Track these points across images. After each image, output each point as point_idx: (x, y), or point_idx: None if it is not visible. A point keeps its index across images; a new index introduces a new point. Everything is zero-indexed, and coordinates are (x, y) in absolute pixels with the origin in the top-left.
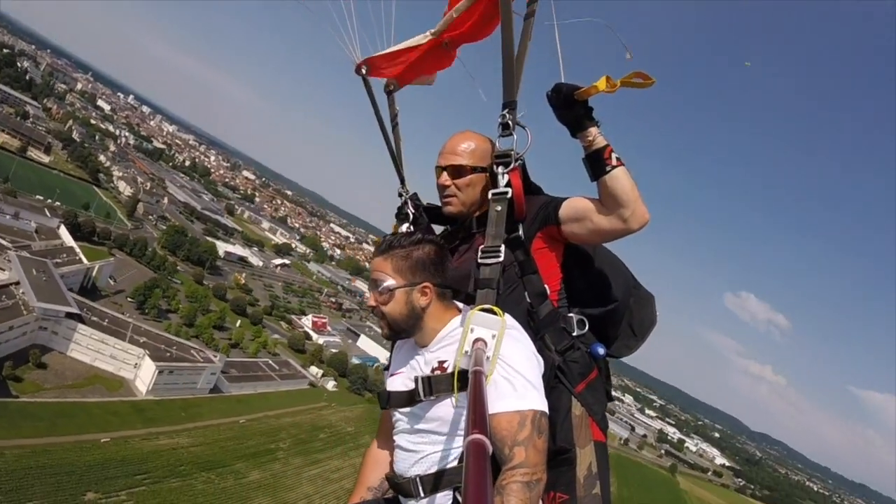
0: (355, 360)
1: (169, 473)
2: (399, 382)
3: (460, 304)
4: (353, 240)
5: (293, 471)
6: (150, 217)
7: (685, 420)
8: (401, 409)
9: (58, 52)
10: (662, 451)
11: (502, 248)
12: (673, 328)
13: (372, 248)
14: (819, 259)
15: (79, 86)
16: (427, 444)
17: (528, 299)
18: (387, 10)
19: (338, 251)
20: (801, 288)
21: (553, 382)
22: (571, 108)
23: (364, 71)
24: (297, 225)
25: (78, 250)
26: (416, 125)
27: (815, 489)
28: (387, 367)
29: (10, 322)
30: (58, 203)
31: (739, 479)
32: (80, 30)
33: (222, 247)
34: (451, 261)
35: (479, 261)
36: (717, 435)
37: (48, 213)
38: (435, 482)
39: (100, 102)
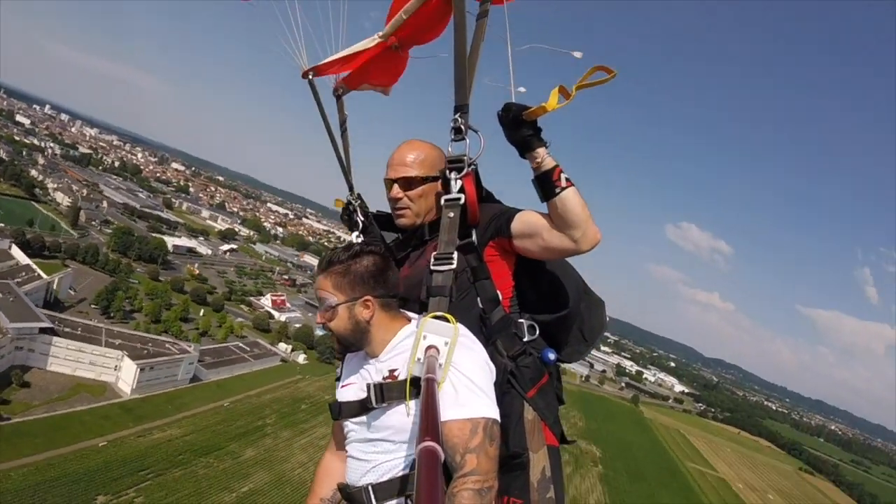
0: (319, 332)
1: (170, 465)
2: (350, 393)
3: (411, 314)
4: (292, 216)
5: (284, 443)
6: (94, 223)
7: (640, 353)
8: (353, 419)
9: None
10: (623, 384)
11: (455, 254)
12: (618, 263)
13: (313, 222)
14: (755, 183)
15: None
16: (379, 452)
17: (480, 305)
18: (335, 13)
19: (280, 229)
20: (740, 214)
21: (505, 388)
22: (519, 129)
23: (311, 75)
24: (235, 209)
25: (35, 266)
26: (368, 131)
27: (774, 408)
28: (338, 378)
29: None
30: (1, 224)
31: (700, 404)
32: None
33: (170, 241)
34: (395, 270)
35: (432, 267)
36: (672, 364)
37: None
38: (387, 490)
39: (18, 118)
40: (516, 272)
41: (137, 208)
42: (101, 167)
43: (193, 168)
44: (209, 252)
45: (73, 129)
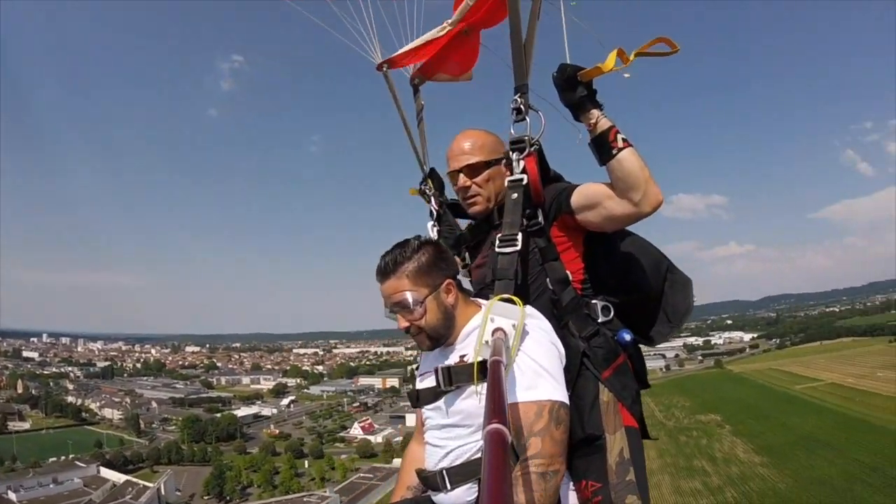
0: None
1: None
2: (427, 382)
3: (482, 301)
4: (322, 352)
5: None
6: (154, 425)
7: (697, 327)
8: (428, 406)
9: None
10: (700, 357)
11: (519, 236)
12: None
13: (344, 350)
14: (711, 124)
15: None
16: (452, 438)
17: (550, 286)
18: (407, 7)
19: (320, 367)
20: (715, 163)
21: (579, 369)
22: (574, 90)
23: (385, 68)
24: (269, 366)
25: (135, 479)
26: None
27: (838, 310)
28: (417, 368)
29: None
30: (72, 455)
31: (773, 340)
32: None
33: (235, 415)
34: (450, 252)
35: (497, 250)
36: (730, 321)
37: (80, 465)
38: (460, 474)
39: (25, 354)
40: (590, 252)
41: (184, 398)
42: (125, 374)
43: (207, 345)
44: (274, 411)
45: (79, 349)
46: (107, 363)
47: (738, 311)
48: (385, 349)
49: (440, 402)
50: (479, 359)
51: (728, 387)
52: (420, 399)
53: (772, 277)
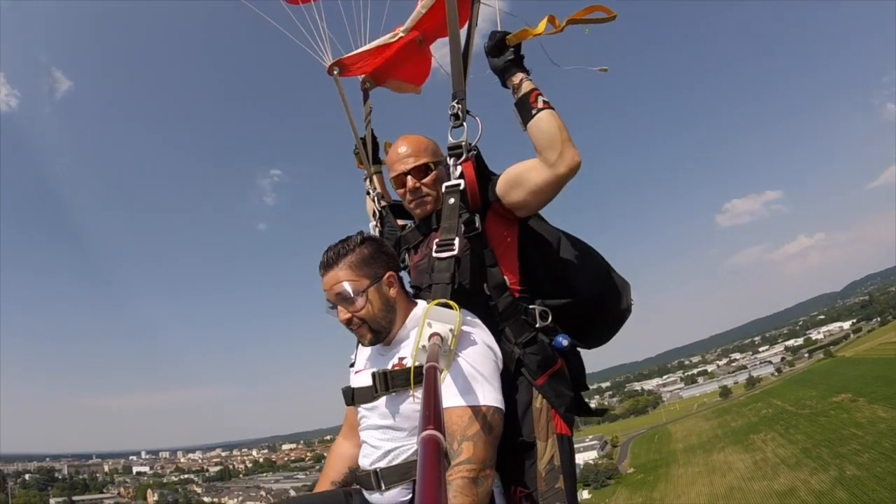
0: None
1: None
2: (363, 378)
3: (421, 301)
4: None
5: None
6: None
7: (789, 332)
8: (364, 406)
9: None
10: (805, 354)
11: (456, 240)
12: (703, 281)
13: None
14: (748, 117)
15: (100, 472)
16: (388, 439)
17: (487, 292)
18: (357, 11)
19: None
20: (759, 160)
21: (514, 375)
22: (501, 54)
23: (336, 72)
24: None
25: None
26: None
27: None
28: (351, 365)
29: None
30: None
31: (874, 320)
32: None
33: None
34: (391, 248)
35: (434, 254)
36: (822, 316)
37: None
38: (394, 475)
39: (136, 469)
40: (527, 256)
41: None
42: (240, 475)
43: (301, 441)
44: None
45: (182, 460)
46: (219, 467)
47: (826, 305)
48: None
49: (376, 403)
50: (416, 364)
51: (847, 369)
52: (355, 398)
53: (851, 261)
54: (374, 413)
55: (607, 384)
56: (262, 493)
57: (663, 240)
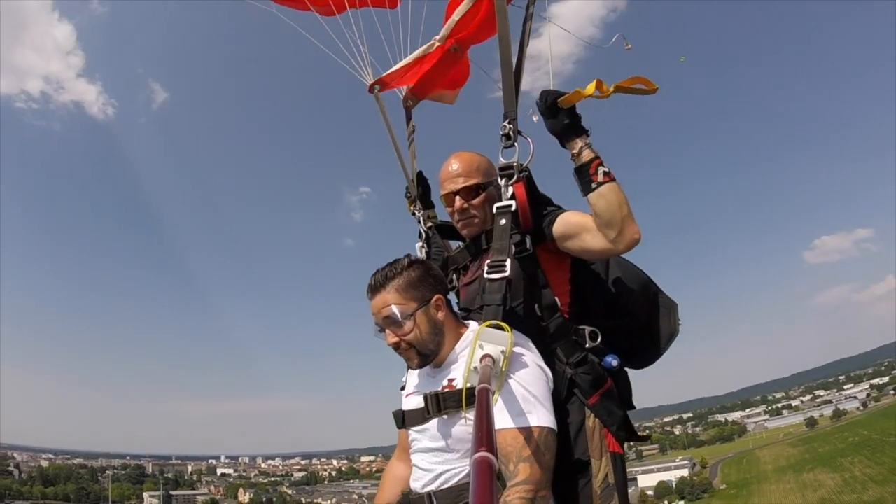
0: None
1: None
2: (414, 402)
3: (472, 323)
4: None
5: None
6: None
7: (874, 371)
8: (415, 428)
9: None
10: (891, 392)
11: (508, 262)
12: (788, 318)
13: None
14: (838, 149)
15: (185, 472)
16: (439, 462)
17: (538, 312)
18: (395, 26)
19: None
20: (850, 195)
21: (566, 395)
22: (556, 118)
23: (377, 90)
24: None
25: None
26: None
27: None
28: (403, 387)
29: None
30: None
31: None
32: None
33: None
34: (439, 271)
35: (485, 276)
36: None
37: None
38: (446, 498)
39: (220, 471)
40: (578, 277)
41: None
42: (325, 482)
43: (381, 454)
44: None
45: (263, 466)
46: (303, 473)
47: None
48: None
49: (428, 426)
50: (468, 385)
51: None
52: (406, 421)
53: None
54: (424, 436)
55: (689, 415)
56: (355, 496)
57: (749, 274)
